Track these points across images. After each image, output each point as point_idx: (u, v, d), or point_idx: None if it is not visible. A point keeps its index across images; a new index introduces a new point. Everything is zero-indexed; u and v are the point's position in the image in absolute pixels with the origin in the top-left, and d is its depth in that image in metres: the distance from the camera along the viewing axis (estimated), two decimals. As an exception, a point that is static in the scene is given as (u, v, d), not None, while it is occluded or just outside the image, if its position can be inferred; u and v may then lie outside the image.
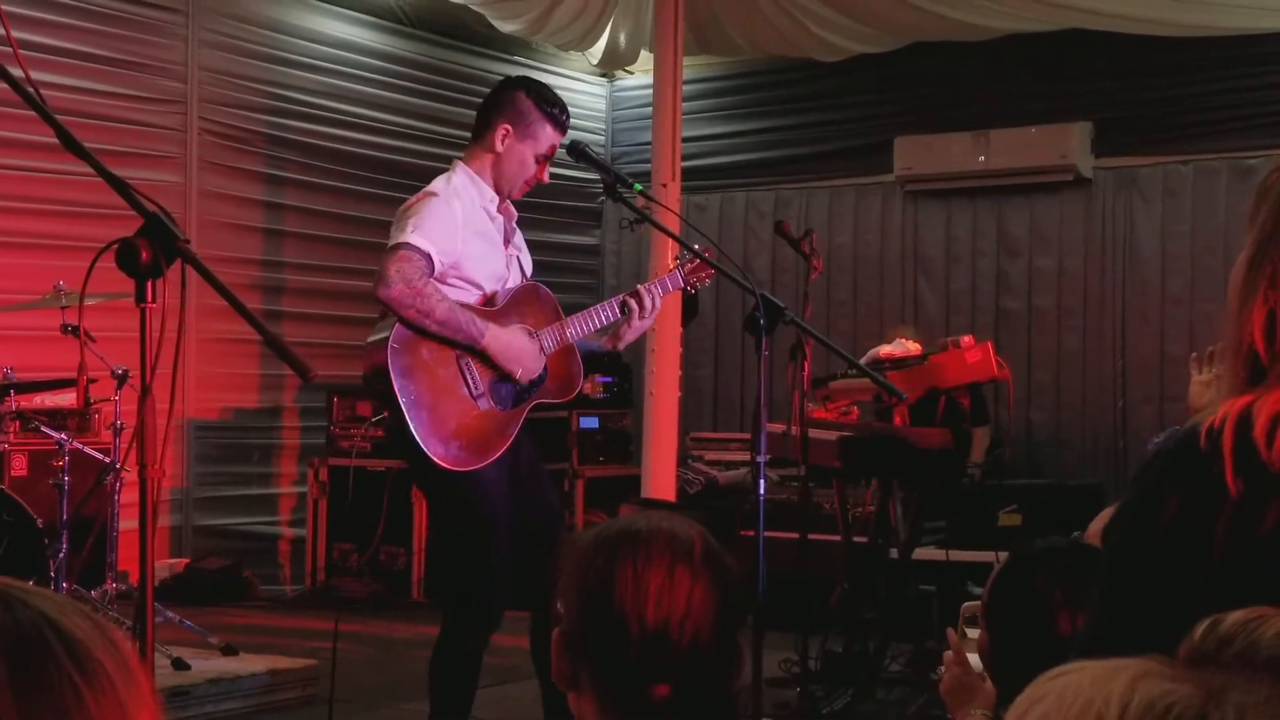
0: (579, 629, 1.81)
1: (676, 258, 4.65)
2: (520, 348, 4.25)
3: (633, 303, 4.40)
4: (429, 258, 4.12)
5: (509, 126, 4.31)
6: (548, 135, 4.34)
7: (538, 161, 4.34)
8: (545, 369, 4.37)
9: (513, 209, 4.50)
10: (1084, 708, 0.85)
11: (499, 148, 4.32)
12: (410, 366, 4.15)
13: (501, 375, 4.26)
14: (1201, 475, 1.50)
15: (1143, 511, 1.57)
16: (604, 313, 4.47)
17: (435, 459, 4.12)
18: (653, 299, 4.43)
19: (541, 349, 4.35)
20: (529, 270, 4.56)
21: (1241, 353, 1.55)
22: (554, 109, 4.40)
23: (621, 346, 4.57)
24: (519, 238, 4.53)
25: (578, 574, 1.83)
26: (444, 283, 4.23)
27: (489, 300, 4.33)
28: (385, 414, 4.20)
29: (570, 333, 4.40)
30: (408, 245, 4.11)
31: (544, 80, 4.51)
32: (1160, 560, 1.53)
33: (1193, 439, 1.52)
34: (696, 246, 4.58)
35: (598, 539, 1.84)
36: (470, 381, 4.21)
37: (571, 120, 4.54)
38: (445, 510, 4.44)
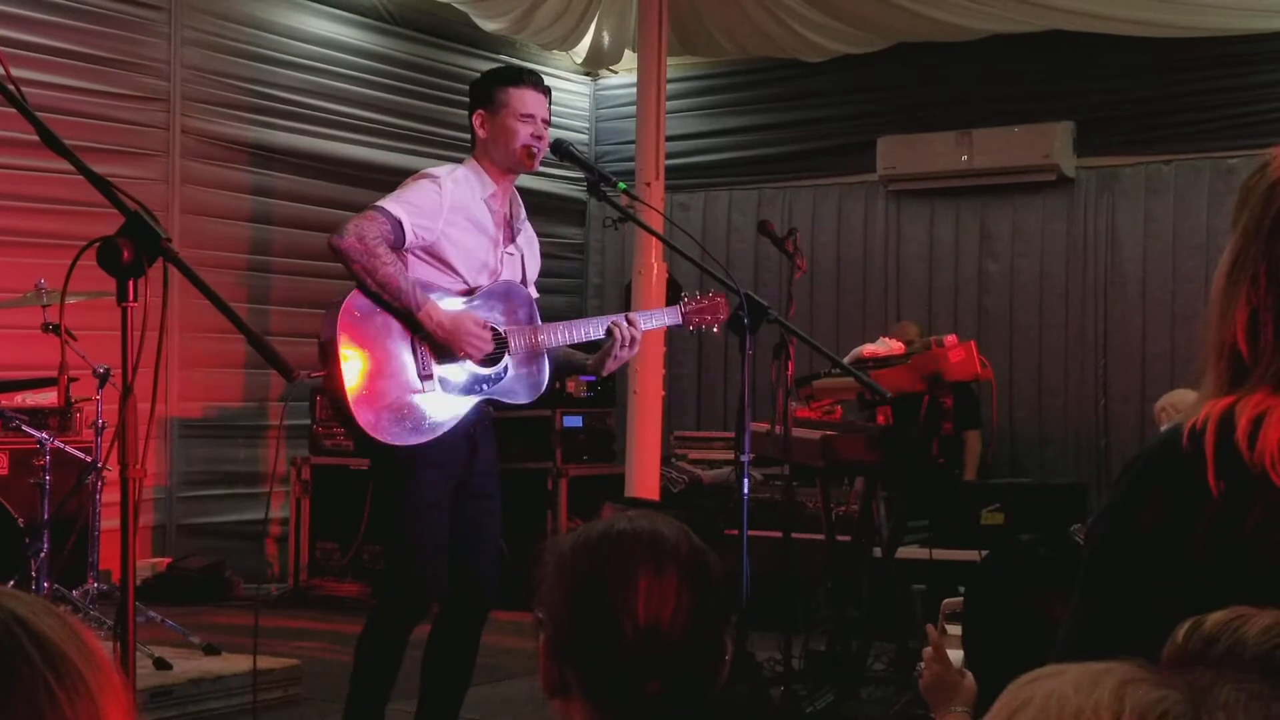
0: (568, 633, 1.80)
1: (684, 295, 4.65)
2: (461, 328, 4.20)
3: (617, 333, 4.40)
4: (399, 224, 4.16)
5: (481, 111, 4.39)
6: (520, 96, 4.36)
7: (525, 122, 4.33)
8: (506, 369, 4.35)
9: (520, 207, 4.49)
10: (1073, 718, 0.84)
11: (482, 133, 4.38)
12: (360, 332, 4.16)
13: (454, 362, 4.25)
14: (1183, 476, 1.49)
15: (1124, 512, 1.57)
16: (584, 328, 4.47)
17: (362, 425, 4.12)
18: (637, 330, 4.43)
19: (509, 348, 4.34)
20: (532, 275, 4.54)
21: (1224, 354, 1.55)
22: (514, 75, 4.47)
23: (604, 373, 4.55)
24: (527, 239, 4.52)
25: (562, 579, 1.82)
26: (423, 263, 4.24)
27: (469, 292, 4.33)
28: (322, 372, 4.19)
29: (543, 339, 4.39)
30: (377, 208, 4.19)
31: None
32: (1141, 561, 1.53)
33: (1175, 440, 1.52)
34: (708, 294, 4.60)
35: (581, 543, 1.83)
36: (420, 361, 4.21)
37: (555, 119, 4.55)
38: (383, 488, 4.44)
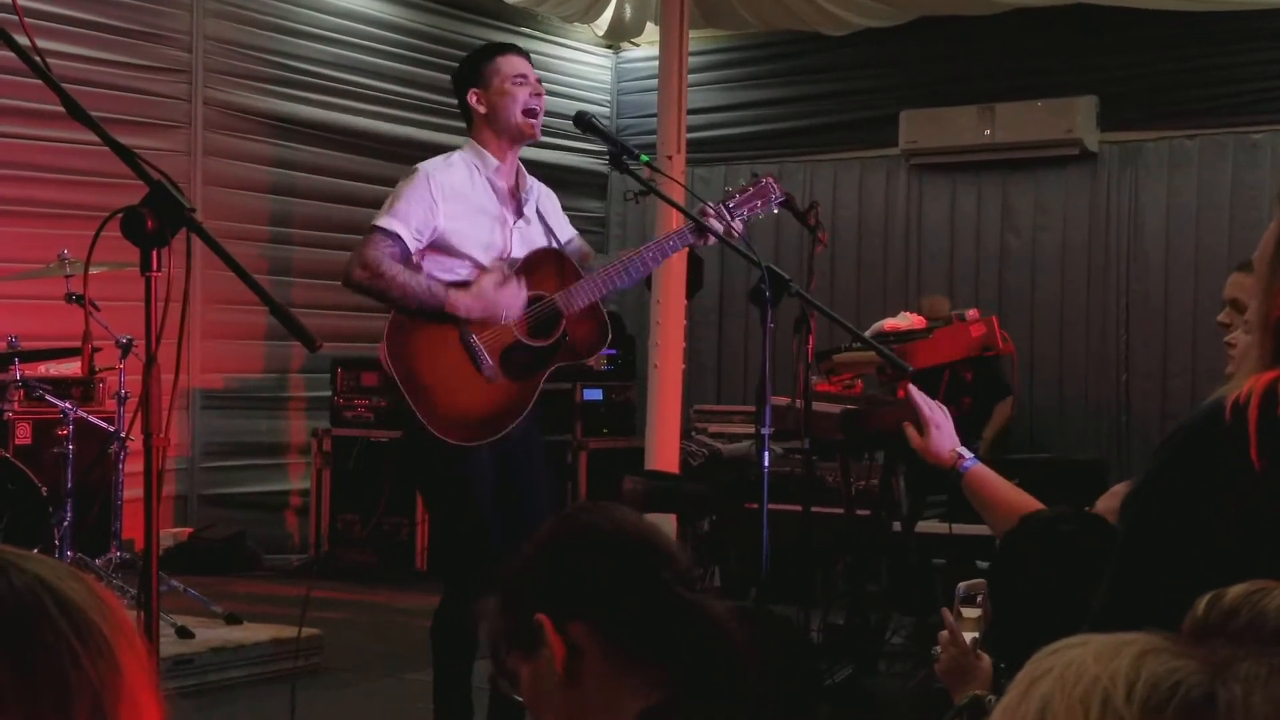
0: (571, 591, 1.85)
1: (728, 188, 4.57)
2: (485, 294, 4.20)
3: (702, 239, 4.38)
4: (398, 238, 4.19)
5: (474, 90, 4.39)
6: (508, 62, 4.39)
7: (519, 84, 4.34)
8: (565, 333, 4.34)
9: (526, 177, 4.48)
10: (1089, 686, 0.84)
11: (481, 109, 4.38)
12: (409, 349, 4.18)
13: (512, 345, 4.25)
14: (1224, 449, 1.49)
15: (1163, 484, 1.56)
16: (641, 262, 4.42)
17: (443, 437, 4.14)
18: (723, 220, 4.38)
19: (562, 312, 4.31)
20: (563, 236, 4.50)
21: (1270, 328, 1.54)
22: (493, 47, 4.52)
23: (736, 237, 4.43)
24: (543, 203, 4.50)
25: (542, 570, 1.90)
26: (432, 257, 4.25)
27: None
28: (388, 401, 4.23)
29: (592, 289, 4.35)
30: (375, 229, 4.22)
31: (549, 51, 4.53)
32: (1179, 533, 1.52)
33: (1217, 413, 1.51)
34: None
35: (534, 551, 1.92)
36: (479, 358, 4.22)
37: (576, 92, 4.55)
38: (427, 484, 4.47)
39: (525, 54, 4.49)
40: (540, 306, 4.31)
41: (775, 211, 4.57)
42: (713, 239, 4.39)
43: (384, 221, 4.20)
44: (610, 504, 1.97)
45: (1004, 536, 2.63)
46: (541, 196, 4.53)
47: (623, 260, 4.45)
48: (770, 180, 4.58)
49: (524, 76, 4.36)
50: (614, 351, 9.18)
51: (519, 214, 4.41)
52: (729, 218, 4.41)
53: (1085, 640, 0.88)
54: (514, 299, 4.24)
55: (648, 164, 4.48)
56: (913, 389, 3.25)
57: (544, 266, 4.39)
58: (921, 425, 3.16)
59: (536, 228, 4.46)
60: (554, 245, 4.46)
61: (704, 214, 4.37)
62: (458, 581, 4.29)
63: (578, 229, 4.71)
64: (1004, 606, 2.53)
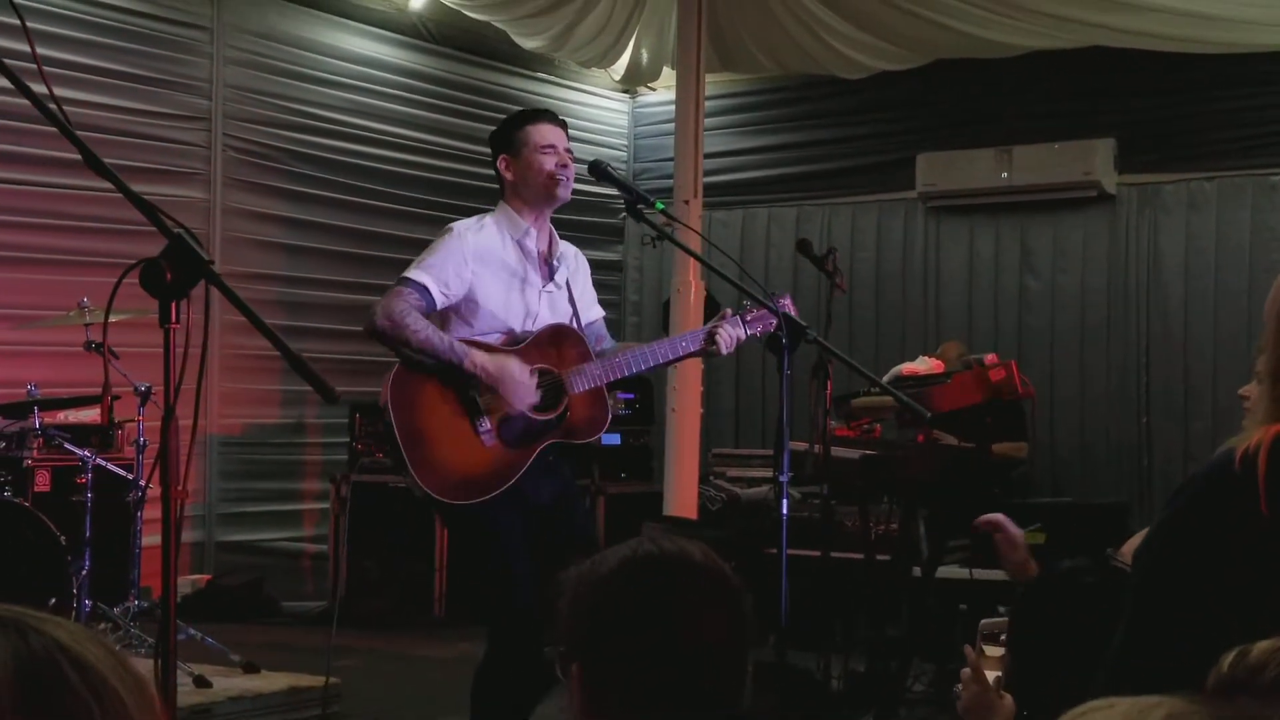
0: (613, 668, 1.80)
1: (745, 302, 4.59)
2: (507, 373, 4.19)
3: (713, 347, 4.44)
4: (425, 290, 4.20)
5: (504, 156, 4.43)
6: (538, 131, 4.41)
7: (546, 154, 4.36)
8: (565, 410, 4.35)
9: (559, 243, 4.49)
10: None
11: (509, 176, 4.42)
12: (411, 400, 4.18)
13: (510, 414, 4.25)
14: (1235, 499, 1.49)
15: (1176, 533, 1.56)
16: (651, 356, 4.45)
17: (430, 491, 4.14)
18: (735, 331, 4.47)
19: (567, 390, 4.33)
20: (586, 308, 4.53)
21: (1279, 378, 1.54)
22: (528, 115, 4.54)
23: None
24: (572, 271, 4.51)
25: (599, 615, 1.83)
26: (459, 316, 4.27)
27: (514, 339, 4.33)
28: (384, 449, 4.22)
29: (599, 375, 4.37)
30: (403, 280, 4.23)
31: (566, 96, 4.55)
32: (1192, 582, 1.52)
33: (1228, 463, 1.51)
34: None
35: (610, 574, 1.84)
36: (475, 418, 4.22)
37: (593, 136, 4.57)
38: (460, 541, 4.48)
39: (560, 123, 4.50)
40: (546, 380, 4.32)
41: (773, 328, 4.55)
42: (724, 350, 4.45)
43: (413, 273, 4.22)
44: (679, 550, 1.87)
45: (1026, 588, 2.63)
46: (573, 268, 4.53)
47: (633, 352, 4.47)
48: (789, 300, 4.55)
49: (553, 147, 4.38)
50: (632, 395, 9.18)
51: (549, 278, 4.43)
52: (742, 327, 4.52)
53: (1111, 703, 0.87)
54: (524, 395, 4.23)
55: (663, 211, 4.49)
56: (998, 518, 3.49)
57: (562, 341, 4.40)
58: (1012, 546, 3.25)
59: (564, 296, 4.47)
60: (575, 324, 4.47)
61: (721, 317, 4.50)
62: (494, 637, 4.27)
63: (595, 273, 4.73)
64: (1026, 657, 2.52)
